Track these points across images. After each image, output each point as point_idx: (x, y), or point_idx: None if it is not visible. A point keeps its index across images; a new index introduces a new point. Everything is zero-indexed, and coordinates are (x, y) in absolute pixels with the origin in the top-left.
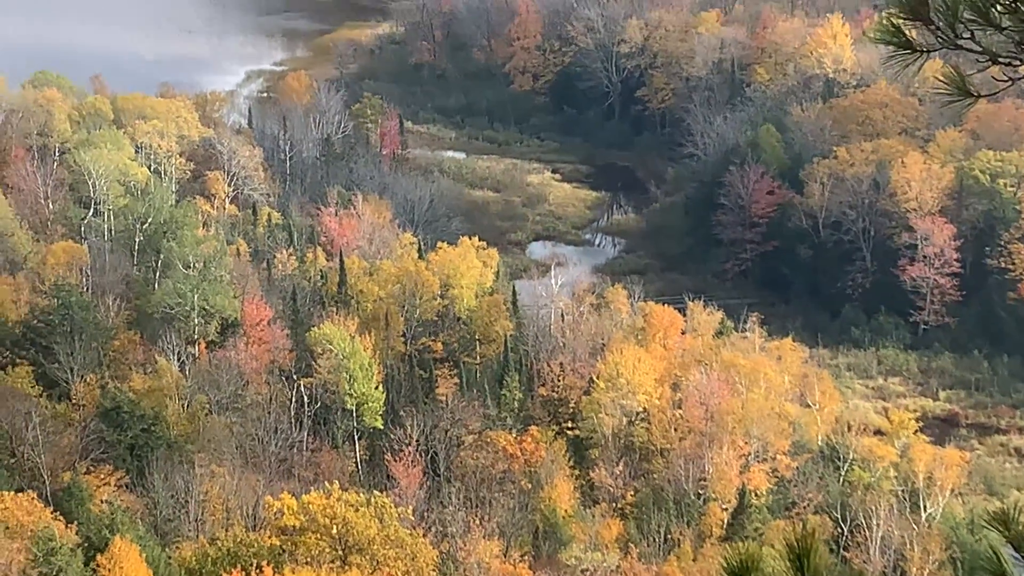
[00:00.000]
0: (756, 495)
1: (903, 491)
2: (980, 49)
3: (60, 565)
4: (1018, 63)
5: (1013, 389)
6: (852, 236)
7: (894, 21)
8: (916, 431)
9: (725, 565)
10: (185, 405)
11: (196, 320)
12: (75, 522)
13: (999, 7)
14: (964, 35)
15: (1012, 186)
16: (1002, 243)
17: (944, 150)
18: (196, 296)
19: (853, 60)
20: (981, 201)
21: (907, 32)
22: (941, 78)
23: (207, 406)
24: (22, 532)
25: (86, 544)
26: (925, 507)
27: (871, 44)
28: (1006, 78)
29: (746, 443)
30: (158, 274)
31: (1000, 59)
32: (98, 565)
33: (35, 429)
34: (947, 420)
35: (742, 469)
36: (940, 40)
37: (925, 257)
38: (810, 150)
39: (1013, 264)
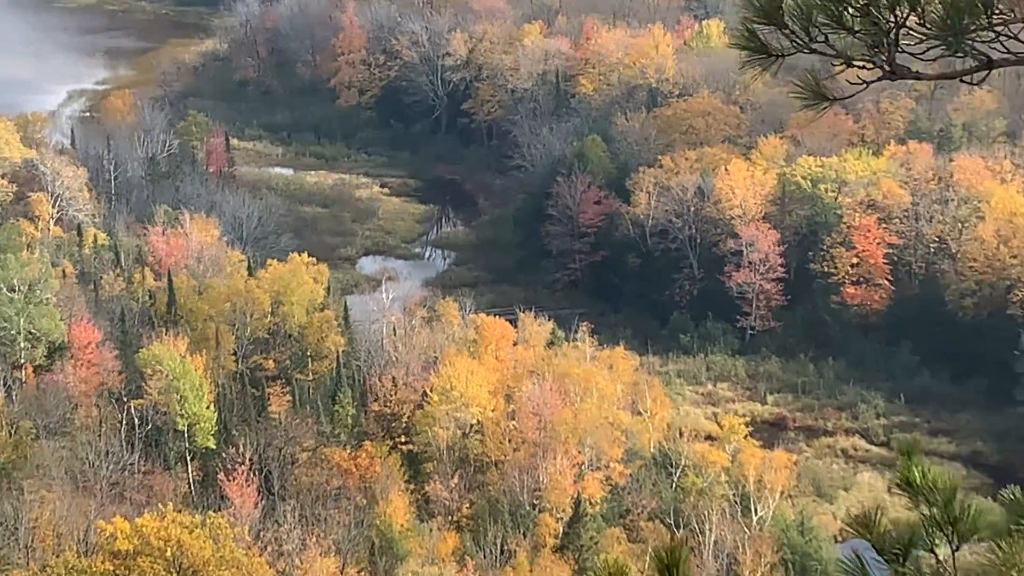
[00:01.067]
0: (591, 503)
1: (734, 495)
2: (834, 52)
3: None
4: (871, 66)
5: (839, 391)
6: (679, 244)
7: (749, 26)
8: (746, 435)
9: None
10: (12, 431)
11: (22, 344)
12: None
13: (851, 11)
14: (818, 39)
15: (833, 191)
16: (824, 247)
17: (766, 157)
18: (22, 320)
19: (675, 70)
20: (803, 207)
21: (762, 36)
22: (795, 81)
23: (34, 431)
24: None
25: None
26: (756, 510)
27: (692, 53)
28: (860, 81)
29: (580, 452)
30: None
31: (854, 62)
32: None
33: None
34: (775, 424)
35: (576, 478)
36: (794, 44)
37: (750, 263)
38: (636, 159)
39: (835, 268)
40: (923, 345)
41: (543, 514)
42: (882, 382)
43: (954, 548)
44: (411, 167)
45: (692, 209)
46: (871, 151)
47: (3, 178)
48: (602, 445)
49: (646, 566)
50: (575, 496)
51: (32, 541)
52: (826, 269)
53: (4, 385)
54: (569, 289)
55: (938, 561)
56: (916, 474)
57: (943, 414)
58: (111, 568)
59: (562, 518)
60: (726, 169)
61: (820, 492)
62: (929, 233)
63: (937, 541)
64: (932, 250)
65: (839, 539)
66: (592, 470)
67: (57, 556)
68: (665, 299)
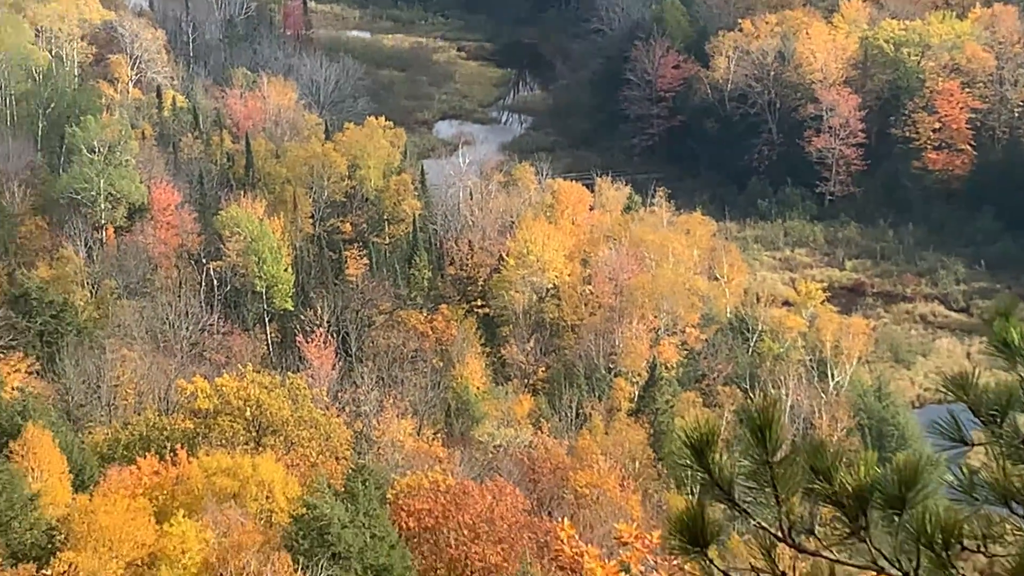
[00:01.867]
0: (666, 368)
1: (811, 360)
2: None
3: None
4: None
5: (918, 257)
6: (758, 109)
7: None
8: (823, 301)
9: (686, 439)
10: (94, 291)
11: (103, 205)
12: None
13: None
14: None
15: (916, 55)
16: (906, 112)
17: (848, 20)
18: (102, 181)
19: None
20: (885, 71)
21: None
22: None
23: (116, 291)
24: None
25: None
26: (833, 376)
27: None
28: None
29: (655, 317)
30: (63, 160)
31: None
32: (11, 451)
33: None
34: (853, 289)
35: (652, 343)
36: None
37: (830, 128)
38: (715, 23)
39: (917, 133)
40: (1005, 210)
41: (618, 378)
42: (962, 248)
43: None
44: (488, 30)
45: (772, 73)
46: (955, 14)
47: (83, 40)
48: (678, 310)
49: (723, 430)
50: (651, 360)
51: (114, 399)
52: (907, 134)
53: (85, 246)
54: (646, 154)
55: None
56: (1014, 334)
57: None
58: (191, 426)
59: (637, 382)
60: (807, 33)
61: (898, 358)
62: (1014, 97)
63: None
64: (1016, 115)
65: (917, 405)
66: (668, 335)
67: (138, 414)
68: (743, 164)
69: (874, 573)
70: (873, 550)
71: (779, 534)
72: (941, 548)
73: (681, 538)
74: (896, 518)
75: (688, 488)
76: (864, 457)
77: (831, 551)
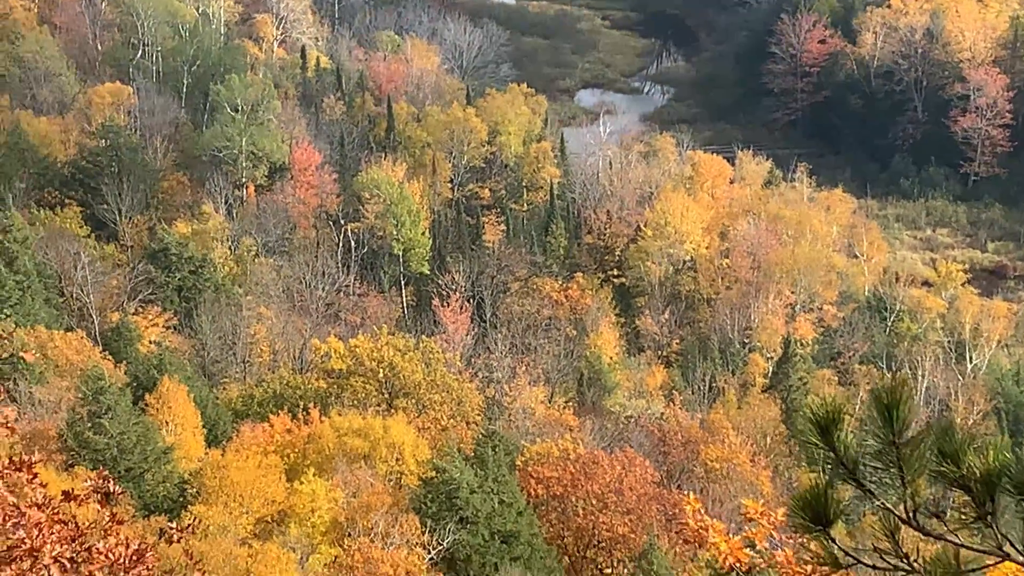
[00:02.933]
0: (801, 345)
1: (949, 342)
2: None
3: (109, 404)
4: None
5: None
6: (904, 86)
7: None
8: (964, 283)
9: (812, 417)
10: (232, 248)
11: (244, 163)
12: (123, 362)
13: None
14: None
15: None
16: None
17: None
18: (244, 139)
19: None
20: None
21: None
22: None
23: (254, 249)
24: (71, 371)
25: (134, 384)
26: (971, 358)
27: None
28: None
29: (792, 293)
30: (206, 117)
31: None
32: (146, 404)
33: (84, 269)
34: (995, 272)
35: (788, 319)
36: None
37: (977, 108)
38: None
39: None
40: None
41: (753, 353)
42: None
43: None
44: (633, 0)
45: (919, 51)
46: None
47: None
48: (816, 287)
49: (857, 409)
50: (786, 336)
51: (249, 356)
52: None
53: (226, 203)
54: (788, 129)
55: None
56: None
57: None
58: (324, 386)
59: (772, 358)
60: (956, 11)
61: None
62: None
63: None
64: None
65: None
66: (804, 311)
67: (272, 372)
68: (886, 142)
69: (999, 559)
70: (999, 536)
71: (904, 516)
72: None
73: (804, 516)
74: None
75: (820, 467)
76: (995, 442)
77: (956, 535)
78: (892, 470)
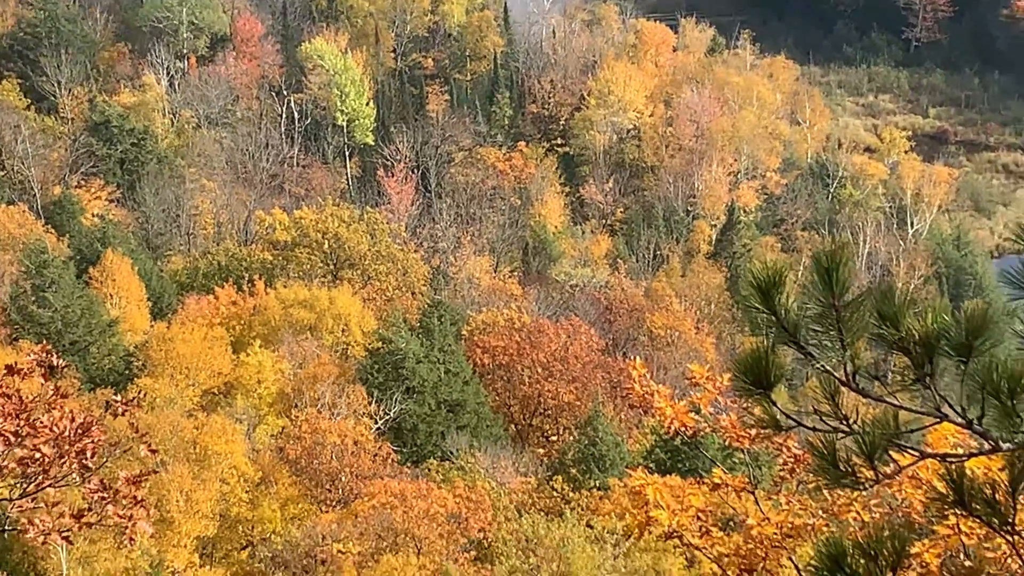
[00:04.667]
0: (745, 212)
1: (891, 208)
2: None
3: (52, 277)
4: None
5: (1003, 106)
6: None
7: None
8: (907, 149)
9: (753, 281)
10: (174, 120)
11: (185, 34)
12: (67, 235)
13: None
14: None
15: None
16: None
17: None
18: (185, 10)
19: None
20: None
21: None
22: None
23: (196, 120)
24: (14, 244)
25: (78, 257)
26: (912, 223)
27: None
28: None
29: (736, 161)
30: None
31: None
32: (90, 277)
33: (24, 142)
34: (936, 137)
35: (731, 186)
36: None
37: None
38: None
39: None
40: None
41: (698, 220)
42: None
43: None
44: None
45: None
46: None
47: None
48: (759, 154)
49: (800, 276)
50: (729, 204)
51: (193, 229)
52: None
53: (167, 74)
54: None
55: None
56: None
57: None
58: (269, 258)
59: (716, 226)
60: None
61: (978, 207)
62: None
63: None
64: None
65: (996, 255)
66: (748, 179)
67: (217, 244)
68: (830, 7)
69: (937, 420)
70: (938, 397)
71: (843, 378)
72: (1007, 396)
73: (746, 380)
74: (963, 366)
75: (761, 331)
76: (934, 304)
77: (895, 397)
78: (832, 333)
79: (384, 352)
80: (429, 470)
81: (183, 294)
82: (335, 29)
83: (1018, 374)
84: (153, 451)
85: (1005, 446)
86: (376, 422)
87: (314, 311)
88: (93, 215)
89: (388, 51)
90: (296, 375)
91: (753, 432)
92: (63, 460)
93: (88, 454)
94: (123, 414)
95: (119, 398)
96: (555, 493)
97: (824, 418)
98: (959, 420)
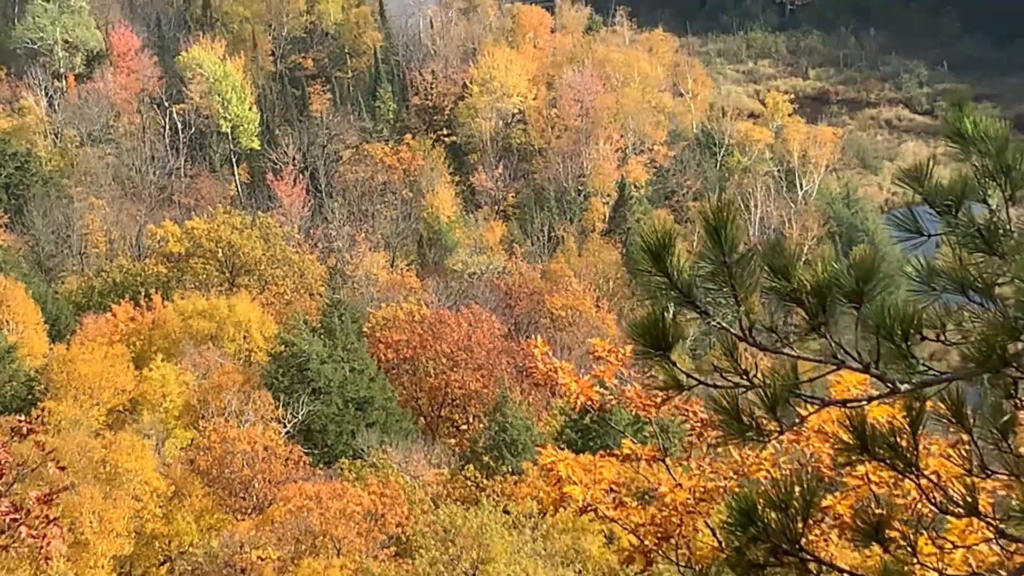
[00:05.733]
0: (636, 187)
1: (779, 171)
2: None
3: None
4: None
5: (881, 62)
6: None
7: None
8: (790, 113)
9: (643, 244)
10: (57, 140)
11: (60, 53)
12: None
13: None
14: None
15: None
16: None
17: None
18: (58, 29)
19: None
20: None
21: None
22: None
23: (79, 139)
24: None
25: None
26: (801, 185)
27: None
28: None
29: (622, 136)
30: (16, 9)
31: None
32: None
33: None
34: (818, 98)
35: (620, 163)
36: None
37: None
38: None
39: None
40: (967, 11)
41: (591, 199)
42: (925, 51)
43: (1007, 197)
44: None
45: None
46: None
47: None
48: (645, 128)
49: (694, 245)
50: (619, 180)
51: (85, 248)
52: None
53: (46, 95)
54: None
55: (991, 210)
56: (967, 124)
57: (988, 80)
58: (164, 271)
59: (608, 203)
60: None
61: (865, 164)
62: None
63: (990, 192)
64: None
65: (885, 209)
66: (636, 154)
67: (110, 261)
68: None
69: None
70: (833, 344)
71: (740, 333)
72: (900, 339)
73: (644, 343)
74: (855, 312)
75: (654, 294)
76: (821, 253)
77: (792, 348)
78: (725, 290)
79: (287, 355)
80: (342, 470)
81: (80, 314)
82: (211, 36)
83: (910, 315)
84: (62, 468)
85: (903, 387)
86: (285, 426)
87: (214, 320)
88: None
89: (267, 54)
90: (201, 386)
91: (659, 399)
92: None
93: None
94: (27, 434)
95: (23, 418)
96: (469, 482)
97: (724, 375)
98: (856, 365)
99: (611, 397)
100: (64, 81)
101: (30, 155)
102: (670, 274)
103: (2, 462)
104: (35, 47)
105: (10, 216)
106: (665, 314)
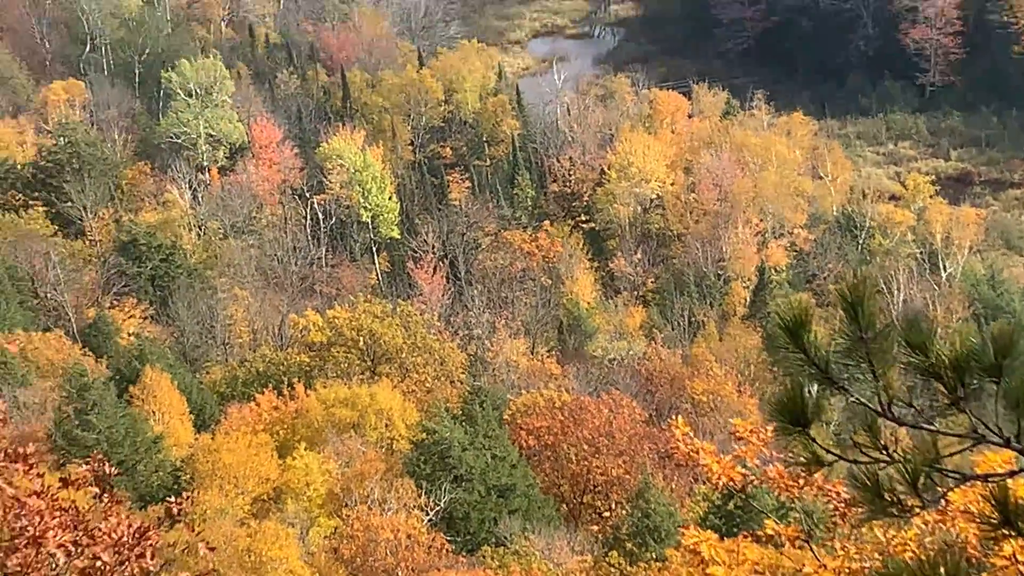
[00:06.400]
0: (776, 271)
1: (922, 253)
2: None
3: (94, 399)
4: None
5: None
6: (851, 3)
7: None
8: (932, 194)
9: (780, 320)
10: (201, 232)
11: (203, 147)
12: (104, 356)
13: None
14: None
15: None
16: None
17: None
18: (201, 123)
19: None
20: None
21: None
22: None
23: (222, 231)
24: (53, 371)
25: (117, 377)
26: (944, 267)
27: None
28: None
29: (761, 220)
30: (161, 104)
31: None
32: (131, 396)
33: (55, 268)
34: (960, 179)
35: (760, 246)
36: None
37: (926, 18)
38: None
39: (1015, 17)
40: None
41: (731, 283)
42: None
43: None
44: None
45: None
46: None
47: None
48: (784, 212)
49: (835, 328)
50: (759, 264)
51: (228, 338)
52: (1005, 19)
53: (190, 188)
54: (742, 58)
55: None
56: None
57: None
58: (307, 360)
59: (748, 287)
60: None
61: (1009, 244)
62: None
63: None
64: None
65: None
66: (775, 237)
67: (254, 351)
68: (840, 61)
69: (975, 442)
70: (973, 419)
71: (878, 409)
72: None
73: (782, 419)
74: (994, 387)
75: (792, 370)
76: (960, 328)
77: (932, 423)
78: (863, 365)
79: (429, 443)
80: (484, 557)
81: (224, 404)
82: (351, 127)
83: None
84: (211, 548)
85: None
86: (427, 514)
87: (356, 409)
88: (128, 334)
89: (406, 144)
90: (344, 474)
91: (800, 478)
92: (124, 566)
93: (148, 556)
94: (178, 514)
95: (173, 499)
96: (613, 569)
97: (864, 450)
98: (997, 440)
99: (753, 477)
100: (208, 174)
101: (175, 247)
102: (807, 350)
103: (154, 543)
104: (179, 141)
105: (156, 308)
106: (804, 391)
